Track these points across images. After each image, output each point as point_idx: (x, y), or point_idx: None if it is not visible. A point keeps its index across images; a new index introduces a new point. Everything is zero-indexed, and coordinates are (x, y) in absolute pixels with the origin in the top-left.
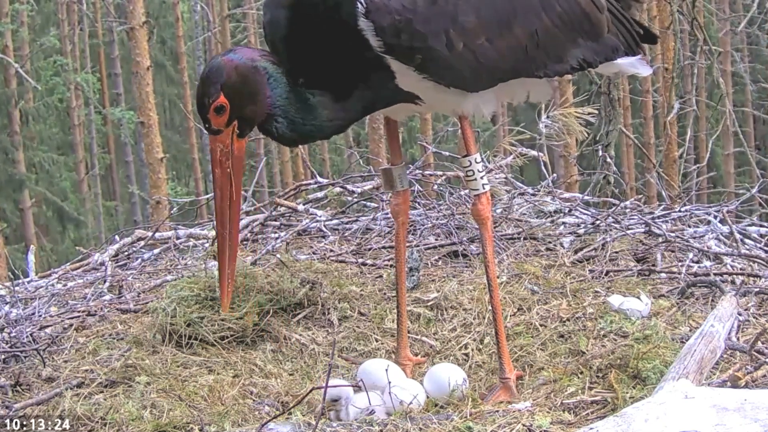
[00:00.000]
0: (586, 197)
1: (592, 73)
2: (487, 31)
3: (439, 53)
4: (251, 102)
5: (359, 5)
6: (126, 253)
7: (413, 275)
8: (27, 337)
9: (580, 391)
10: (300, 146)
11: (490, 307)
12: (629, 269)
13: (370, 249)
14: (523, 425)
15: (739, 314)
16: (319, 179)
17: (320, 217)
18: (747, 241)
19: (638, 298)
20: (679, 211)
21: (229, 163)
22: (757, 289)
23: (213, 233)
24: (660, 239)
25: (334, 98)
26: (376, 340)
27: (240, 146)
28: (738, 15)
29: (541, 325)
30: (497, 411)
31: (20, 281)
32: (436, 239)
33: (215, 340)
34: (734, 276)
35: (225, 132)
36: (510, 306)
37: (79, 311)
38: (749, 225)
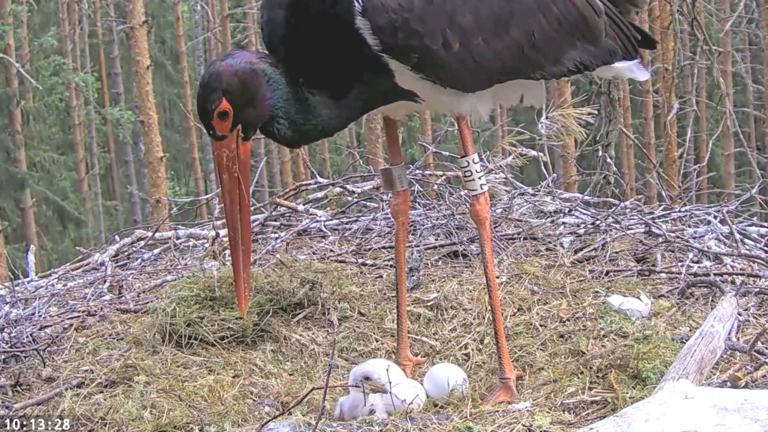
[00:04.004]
0: (586, 197)
1: (590, 75)
2: (483, 32)
3: (436, 53)
4: (253, 105)
5: (356, 4)
6: (126, 253)
7: (413, 275)
8: (27, 337)
9: (580, 391)
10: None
11: (489, 307)
12: (629, 269)
13: (370, 249)
14: (523, 425)
15: (739, 314)
16: (319, 179)
17: (320, 217)
18: (747, 241)
19: (638, 298)
20: (679, 211)
21: (236, 168)
22: (757, 289)
23: (212, 233)
24: (660, 239)
25: (333, 97)
26: (376, 340)
27: (245, 149)
28: (738, 15)
29: (541, 325)
30: (497, 411)
31: (20, 281)
32: (436, 239)
33: (215, 340)
34: (734, 276)
35: (230, 137)
36: (510, 306)
37: (79, 311)
38: (749, 225)
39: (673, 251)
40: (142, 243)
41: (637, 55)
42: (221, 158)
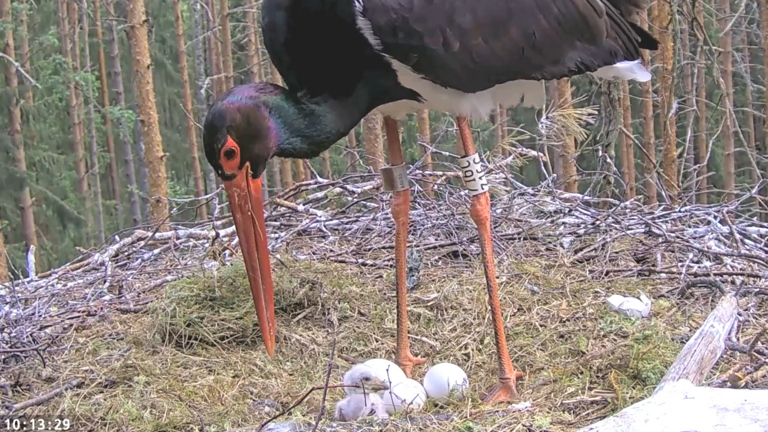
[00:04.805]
0: (586, 197)
1: (591, 76)
2: (483, 32)
3: (435, 52)
4: (259, 139)
5: (356, 4)
6: (126, 253)
7: (413, 275)
8: (27, 337)
9: (580, 391)
10: None
11: (490, 308)
12: (629, 269)
13: (370, 249)
14: (523, 425)
15: (739, 314)
16: (319, 179)
17: (320, 217)
18: (747, 241)
19: (638, 298)
20: (679, 211)
21: (249, 206)
22: (757, 289)
23: (212, 233)
24: (660, 239)
25: (338, 97)
26: (376, 340)
27: (257, 186)
28: (739, 15)
29: (541, 325)
30: (497, 411)
31: (20, 281)
32: (436, 239)
33: (215, 340)
34: (734, 276)
35: (239, 175)
36: (510, 306)
37: (79, 311)
38: (749, 225)
39: (673, 251)
40: (142, 243)
41: (638, 55)
42: (233, 198)
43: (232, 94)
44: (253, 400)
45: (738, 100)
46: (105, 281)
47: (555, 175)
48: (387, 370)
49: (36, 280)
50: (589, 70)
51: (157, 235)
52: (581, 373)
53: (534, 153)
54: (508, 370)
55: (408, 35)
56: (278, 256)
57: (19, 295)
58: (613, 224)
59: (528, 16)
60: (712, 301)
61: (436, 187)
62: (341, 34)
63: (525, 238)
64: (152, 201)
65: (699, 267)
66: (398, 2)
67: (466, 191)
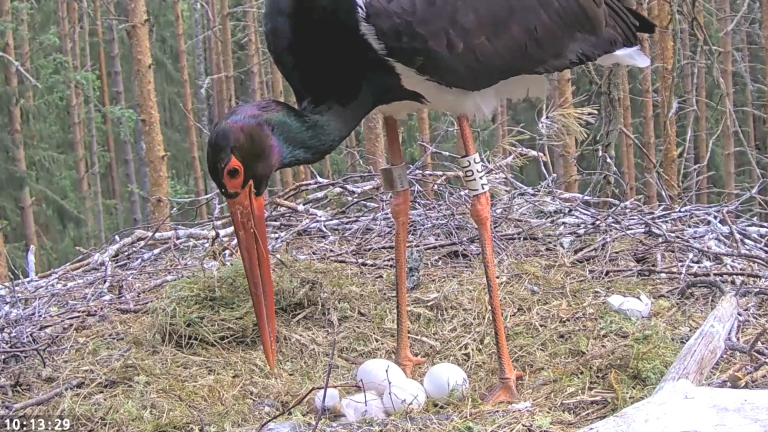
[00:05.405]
0: (586, 197)
1: (591, 73)
2: (485, 30)
3: (440, 54)
4: (262, 158)
5: (359, 10)
6: (126, 253)
7: (413, 275)
8: (27, 337)
9: (580, 391)
10: None
11: (490, 308)
12: (629, 269)
13: (370, 249)
14: (523, 425)
15: (739, 314)
16: (319, 179)
17: (320, 217)
18: (747, 241)
19: (638, 298)
20: (679, 211)
21: (252, 223)
22: (757, 289)
23: (212, 233)
24: (660, 239)
25: (342, 104)
26: (376, 340)
27: (259, 204)
28: (741, 15)
29: (541, 325)
30: (497, 411)
31: (20, 281)
32: (436, 239)
33: (215, 340)
34: (734, 276)
35: (242, 193)
36: (510, 306)
37: (79, 311)
38: (749, 225)
39: (673, 251)
40: (142, 243)
41: (637, 41)
42: (236, 215)
43: (235, 113)
44: (253, 400)
45: (738, 100)
46: (105, 281)
47: (555, 175)
48: (387, 370)
49: (36, 280)
50: (590, 60)
51: (157, 235)
52: (581, 373)
53: (534, 153)
54: (508, 370)
55: (412, 38)
56: (278, 256)
57: (19, 295)
58: (613, 224)
59: (529, 12)
60: (712, 301)
61: (436, 187)
62: (344, 38)
63: (525, 238)
64: (153, 200)
65: (699, 267)
66: (401, 6)
67: (466, 191)
